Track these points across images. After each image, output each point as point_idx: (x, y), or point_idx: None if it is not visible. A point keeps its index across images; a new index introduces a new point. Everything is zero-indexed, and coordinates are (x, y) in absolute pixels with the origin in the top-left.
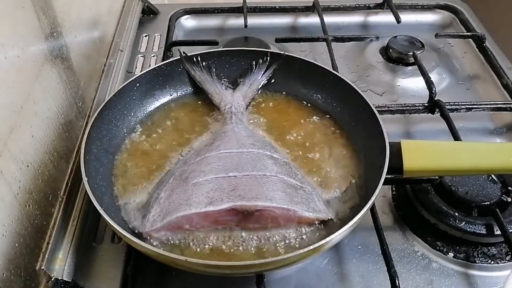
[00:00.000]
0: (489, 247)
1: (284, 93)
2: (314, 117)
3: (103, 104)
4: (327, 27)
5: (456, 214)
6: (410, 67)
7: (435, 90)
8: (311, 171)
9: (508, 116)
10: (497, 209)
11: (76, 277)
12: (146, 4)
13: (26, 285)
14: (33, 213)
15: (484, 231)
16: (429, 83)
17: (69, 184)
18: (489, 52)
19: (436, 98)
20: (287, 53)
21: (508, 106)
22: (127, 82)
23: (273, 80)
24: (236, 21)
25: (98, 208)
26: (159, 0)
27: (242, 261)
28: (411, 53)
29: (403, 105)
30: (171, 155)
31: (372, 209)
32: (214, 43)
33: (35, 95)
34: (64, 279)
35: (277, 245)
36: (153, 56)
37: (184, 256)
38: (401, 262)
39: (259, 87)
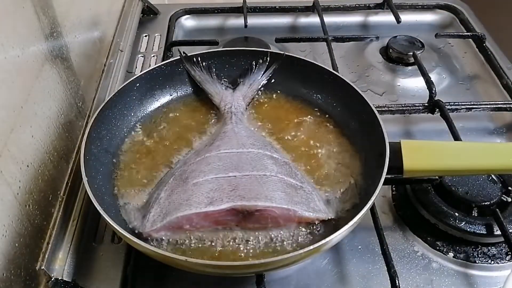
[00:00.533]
0: (489, 247)
1: (284, 93)
2: (314, 117)
3: (103, 104)
4: (327, 27)
5: (456, 214)
6: (410, 67)
7: (435, 90)
8: (311, 171)
9: (508, 116)
10: (497, 209)
11: (76, 277)
12: (146, 4)
13: (26, 285)
14: (33, 213)
15: (484, 231)
16: (429, 83)
17: (69, 184)
18: (489, 52)
19: (436, 98)
20: (287, 53)
21: (508, 106)
22: (127, 82)
23: (273, 80)
24: (236, 21)
25: (98, 208)
26: (159, 0)
27: (242, 261)
28: (411, 53)
29: (403, 105)
30: (171, 155)
31: (372, 209)
32: (214, 43)
33: (35, 95)
34: (64, 279)
35: (277, 245)
36: (153, 56)
37: (184, 256)
38: (401, 262)
39: (259, 87)
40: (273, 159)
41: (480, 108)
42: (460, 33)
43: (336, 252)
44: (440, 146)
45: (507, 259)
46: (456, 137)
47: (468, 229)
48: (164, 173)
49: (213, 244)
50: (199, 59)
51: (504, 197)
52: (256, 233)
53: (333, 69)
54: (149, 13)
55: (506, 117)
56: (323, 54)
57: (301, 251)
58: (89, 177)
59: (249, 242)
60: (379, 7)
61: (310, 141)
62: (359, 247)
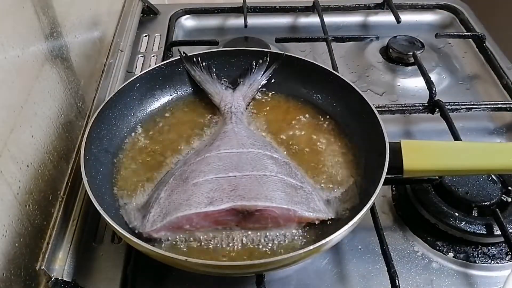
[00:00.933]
0: (489, 247)
1: (284, 93)
2: (314, 117)
3: (103, 104)
4: (327, 27)
5: (456, 214)
6: (410, 67)
7: (435, 90)
8: (311, 170)
9: (508, 116)
10: (497, 209)
11: (76, 277)
12: (146, 4)
13: (26, 285)
14: (33, 213)
15: (484, 231)
16: (429, 83)
17: (69, 184)
18: (489, 52)
19: (436, 98)
20: (287, 53)
21: (508, 106)
22: (127, 82)
23: (273, 80)
24: (236, 21)
25: (98, 208)
26: (159, 0)
27: (242, 261)
28: (411, 53)
29: (403, 105)
30: (171, 155)
31: (372, 209)
32: (214, 43)
33: (35, 95)
34: (64, 279)
35: (277, 245)
36: (153, 56)
37: (184, 256)
38: (401, 262)
39: (259, 87)
40: (273, 159)
41: (480, 108)
42: (460, 33)
43: (336, 252)
44: (440, 146)
45: (507, 259)
46: (456, 137)
47: (468, 229)
48: (164, 173)
49: (213, 244)
50: (199, 59)
51: (504, 197)
52: (256, 233)
53: (333, 69)
54: (149, 13)
55: (506, 117)
56: (323, 54)
57: (301, 251)
58: (89, 177)
59: (249, 242)
60: (379, 7)
61: (310, 141)
62: (359, 247)
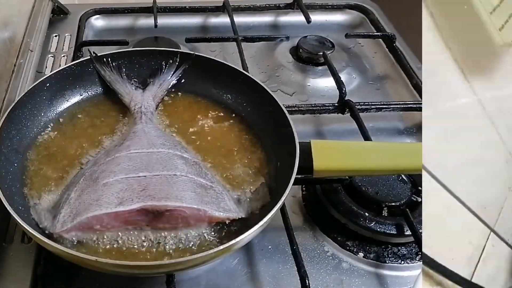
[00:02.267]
0: (399, 247)
1: (194, 93)
2: (224, 117)
3: (13, 104)
4: (237, 27)
5: (366, 214)
6: (320, 67)
7: (345, 90)
8: (221, 170)
9: (418, 116)
10: (407, 209)
11: None
12: (56, 4)
13: None
14: None
15: (394, 231)
16: (339, 83)
17: None
18: (399, 52)
19: (346, 98)
20: (197, 53)
21: (418, 106)
22: (37, 82)
23: (183, 80)
24: (146, 21)
25: (7, 208)
26: (69, 0)
27: (152, 261)
28: (321, 53)
29: (313, 105)
30: (82, 155)
31: (282, 209)
32: (124, 43)
33: None
34: None
35: (188, 245)
36: (63, 56)
37: (95, 256)
38: (311, 262)
39: (169, 87)
40: (183, 159)
41: (390, 108)
42: (370, 33)
43: (246, 252)
44: (350, 146)
45: (417, 259)
46: (366, 137)
47: (378, 229)
48: (75, 174)
49: (124, 244)
50: (109, 59)
51: (414, 197)
52: (167, 233)
53: (243, 69)
54: (59, 13)
55: (416, 117)
56: (233, 54)
57: (211, 251)
58: None
59: (160, 242)
60: (289, 7)
61: (220, 141)
62: (269, 247)
